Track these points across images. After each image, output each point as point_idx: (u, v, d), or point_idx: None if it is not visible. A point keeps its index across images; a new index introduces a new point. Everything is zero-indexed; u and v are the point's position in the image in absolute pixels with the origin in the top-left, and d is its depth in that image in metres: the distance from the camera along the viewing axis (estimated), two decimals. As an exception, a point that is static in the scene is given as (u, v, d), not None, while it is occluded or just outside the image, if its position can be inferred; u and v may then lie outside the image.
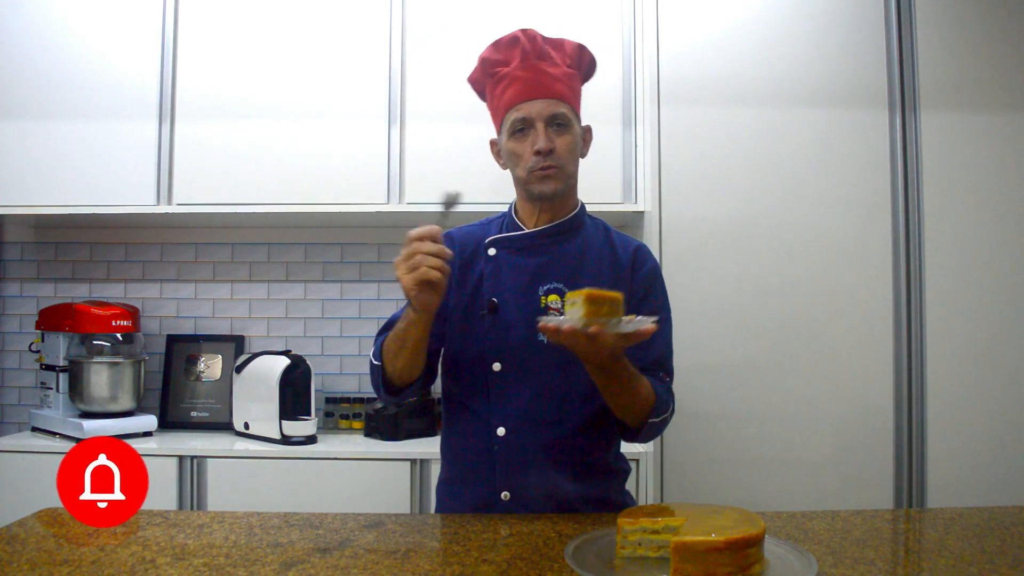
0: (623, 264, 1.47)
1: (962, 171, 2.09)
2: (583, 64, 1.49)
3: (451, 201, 1.27)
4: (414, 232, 1.22)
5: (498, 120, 1.45)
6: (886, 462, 2.05)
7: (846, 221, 2.08)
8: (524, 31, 1.43)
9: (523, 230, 1.48)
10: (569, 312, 1.18)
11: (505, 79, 1.41)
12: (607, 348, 1.19)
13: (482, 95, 1.50)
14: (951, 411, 2.05)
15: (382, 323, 1.48)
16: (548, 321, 1.18)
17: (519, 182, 1.45)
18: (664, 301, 1.49)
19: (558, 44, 1.45)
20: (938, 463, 2.04)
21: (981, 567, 1.07)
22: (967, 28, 2.10)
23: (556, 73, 1.42)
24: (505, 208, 1.55)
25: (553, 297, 1.41)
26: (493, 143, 1.50)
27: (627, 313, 1.21)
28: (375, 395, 1.51)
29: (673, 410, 1.43)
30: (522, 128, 1.40)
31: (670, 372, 1.46)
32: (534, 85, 1.40)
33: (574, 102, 1.45)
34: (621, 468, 1.51)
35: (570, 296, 1.18)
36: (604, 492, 1.46)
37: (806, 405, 2.06)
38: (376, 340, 1.44)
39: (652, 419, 1.37)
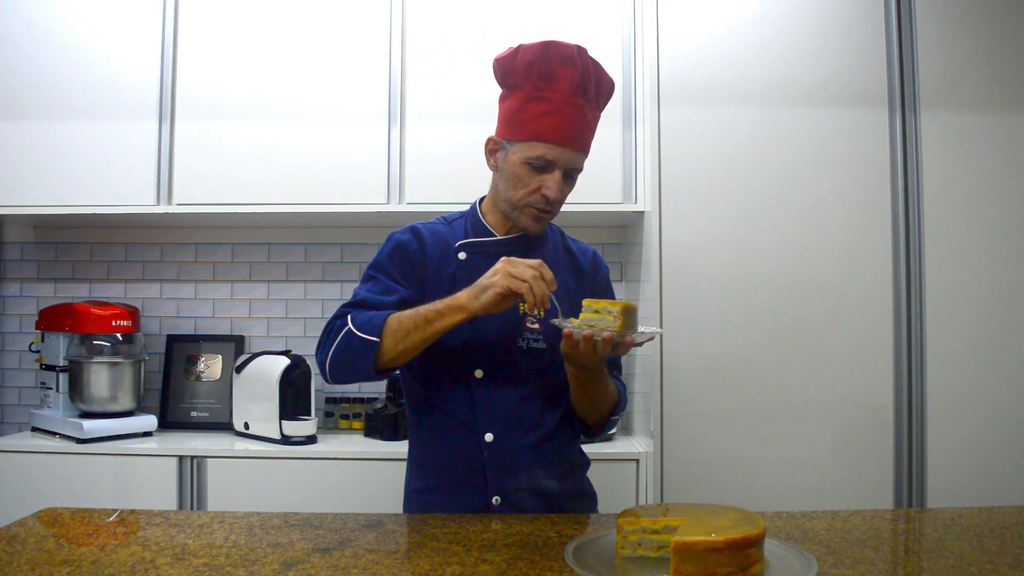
0: (583, 268, 1.56)
1: (962, 171, 2.09)
2: (607, 103, 1.48)
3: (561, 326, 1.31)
4: (548, 272, 1.26)
5: (518, 132, 1.39)
6: (886, 462, 2.05)
7: (846, 221, 2.08)
8: (580, 50, 1.38)
9: (493, 235, 1.48)
10: (591, 319, 1.26)
11: (547, 103, 1.36)
12: (621, 354, 1.32)
13: (505, 84, 1.43)
14: (951, 411, 2.05)
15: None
16: (578, 330, 1.26)
17: (508, 201, 1.43)
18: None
19: (599, 79, 1.41)
20: (938, 463, 2.04)
21: (981, 567, 1.07)
22: (967, 28, 2.10)
23: (591, 120, 1.41)
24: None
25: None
26: (491, 140, 1.46)
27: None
28: (339, 370, 1.37)
29: (626, 404, 1.56)
30: (542, 166, 1.39)
31: (620, 368, 1.59)
32: (573, 131, 1.37)
33: (589, 151, 1.45)
34: (586, 460, 1.59)
35: (596, 304, 1.27)
36: (579, 484, 1.54)
37: (806, 405, 2.06)
38: (352, 317, 1.36)
39: (613, 416, 1.50)
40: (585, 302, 1.27)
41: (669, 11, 2.11)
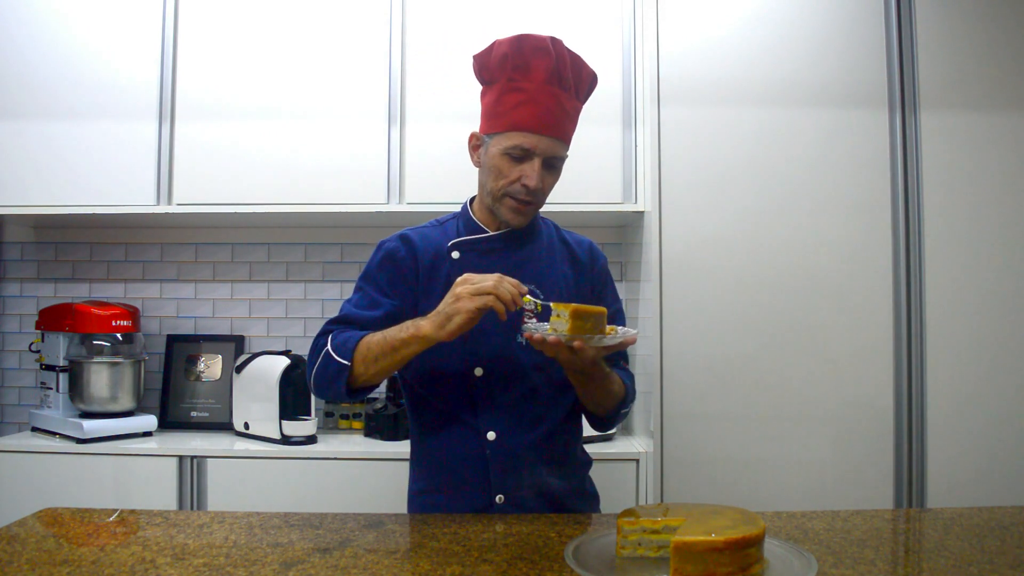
0: (581, 260, 1.55)
1: (962, 171, 2.09)
2: (589, 95, 1.48)
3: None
4: (509, 279, 1.25)
5: (495, 125, 1.40)
6: (886, 462, 2.05)
7: (846, 221, 2.08)
8: (554, 41, 1.38)
9: (485, 232, 1.48)
10: (554, 323, 1.26)
11: (522, 93, 1.37)
12: (588, 359, 1.27)
13: (483, 79, 1.45)
14: (951, 411, 2.05)
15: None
16: (533, 332, 1.25)
17: (490, 194, 1.43)
18: (616, 292, 1.60)
19: (578, 68, 1.41)
20: (938, 463, 2.04)
21: (981, 567, 1.07)
22: (967, 28, 2.10)
23: (569, 109, 1.41)
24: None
25: (526, 299, 1.42)
26: (473, 136, 1.47)
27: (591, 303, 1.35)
28: (320, 390, 1.38)
29: (635, 395, 1.54)
30: (520, 156, 1.39)
31: (627, 359, 1.58)
32: (549, 119, 1.37)
33: (571, 140, 1.44)
34: (588, 459, 1.58)
35: (556, 307, 1.26)
36: (581, 483, 1.54)
37: (806, 405, 2.06)
38: (333, 336, 1.37)
39: (623, 409, 1.49)
40: (553, 305, 1.26)
41: (669, 11, 2.11)
